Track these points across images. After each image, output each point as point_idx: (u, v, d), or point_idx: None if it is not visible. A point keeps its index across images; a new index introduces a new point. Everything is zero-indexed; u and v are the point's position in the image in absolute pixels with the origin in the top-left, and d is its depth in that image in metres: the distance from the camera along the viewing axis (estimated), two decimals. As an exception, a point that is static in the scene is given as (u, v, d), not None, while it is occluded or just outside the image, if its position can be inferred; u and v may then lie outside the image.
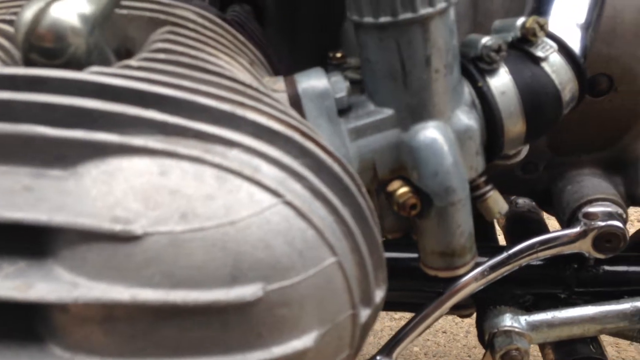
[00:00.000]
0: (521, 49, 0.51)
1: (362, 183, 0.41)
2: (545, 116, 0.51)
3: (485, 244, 0.80)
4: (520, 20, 0.51)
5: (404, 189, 0.50)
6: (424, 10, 0.46)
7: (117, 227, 0.31)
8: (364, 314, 0.39)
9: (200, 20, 0.50)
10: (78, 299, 0.31)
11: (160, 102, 0.36)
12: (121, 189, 0.32)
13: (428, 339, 1.63)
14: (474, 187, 0.52)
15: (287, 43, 0.76)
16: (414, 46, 0.47)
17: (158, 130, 0.35)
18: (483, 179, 0.53)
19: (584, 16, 0.54)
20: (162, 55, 0.41)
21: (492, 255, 0.74)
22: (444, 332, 1.66)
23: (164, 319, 0.31)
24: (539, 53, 0.51)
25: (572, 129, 0.74)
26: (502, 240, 0.95)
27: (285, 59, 0.77)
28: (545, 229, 0.88)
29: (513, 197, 0.94)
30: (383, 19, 0.46)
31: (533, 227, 0.90)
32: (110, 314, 0.31)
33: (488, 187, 0.53)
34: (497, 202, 0.53)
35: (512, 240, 1.09)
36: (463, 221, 0.50)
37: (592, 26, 0.54)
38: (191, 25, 0.48)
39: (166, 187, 0.33)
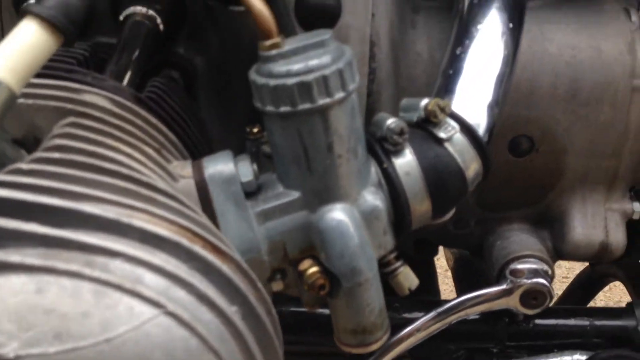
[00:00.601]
0: (425, 129, 0.53)
1: (256, 278, 0.42)
2: (450, 195, 0.53)
3: (419, 299, 0.81)
4: (423, 102, 0.53)
5: (313, 269, 0.51)
6: (322, 101, 0.47)
7: (-12, 352, 0.31)
8: (258, 411, 0.39)
9: (108, 106, 0.51)
10: None
11: (43, 213, 0.36)
12: (-4, 310, 0.33)
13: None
14: (384, 263, 0.53)
15: (221, 108, 0.77)
16: (315, 134, 0.48)
17: (39, 243, 0.35)
18: (393, 255, 0.54)
19: (490, 94, 0.56)
20: (56, 155, 0.42)
21: (427, 310, 0.75)
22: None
23: None
24: (442, 134, 0.52)
25: (498, 187, 0.76)
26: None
27: (218, 125, 0.77)
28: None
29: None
30: (283, 109, 0.47)
31: (480, 268, 0.92)
32: None
33: (398, 264, 0.54)
34: (408, 278, 0.54)
35: (460, 283, 1.11)
36: (372, 300, 0.51)
37: (499, 104, 0.56)
38: (97, 114, 0.49)
39: (41, 306, 0.33)
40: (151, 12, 0.68)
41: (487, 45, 0.58)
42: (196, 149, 0.61)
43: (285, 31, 0.60)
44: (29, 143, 0.49)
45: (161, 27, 0.69)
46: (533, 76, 0.70)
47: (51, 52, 0.44)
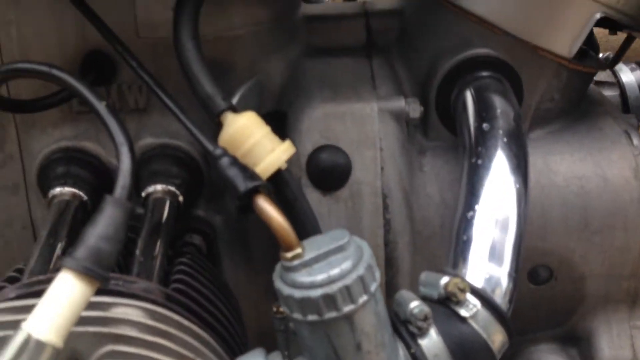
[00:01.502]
0: (447, 307, 0.54)
1: None
2: (479, 368, 0.54)
3: None
4: (443, 280, 0.54)
5: None
6: (347, 308, 0.49)
7: None
8: None
9: (142, 319, 0.53)
10: None
11: None
12: None
13: None
14: None
15: (243, 260, 0.79)
16: (343, 337, 0.50)
17: None
18: None
19: (507, 262, 0.58)
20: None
21: None
22: None
23: None
24: (464, 313, 0.54)
25: (522, 313, 0.77)
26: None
27: (242, 276, 0.79)
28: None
29: None
30: (310, 318, 0.49)
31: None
32: None
33: None
34: None
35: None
36: None
37: (517, 270, 0.58)
38: (132, 334, 0.51)
39: None
40: (171, 187, 0.71)
41: (497, 211, 0.60)
42: (226, 330, 0.63)
43: (298, 206, 0.62)
44: (71, 367, 0.52)
45: (181, 199, 0.72)
46: (543, 211, 0.72)
47: (88, 299, 0.46)
